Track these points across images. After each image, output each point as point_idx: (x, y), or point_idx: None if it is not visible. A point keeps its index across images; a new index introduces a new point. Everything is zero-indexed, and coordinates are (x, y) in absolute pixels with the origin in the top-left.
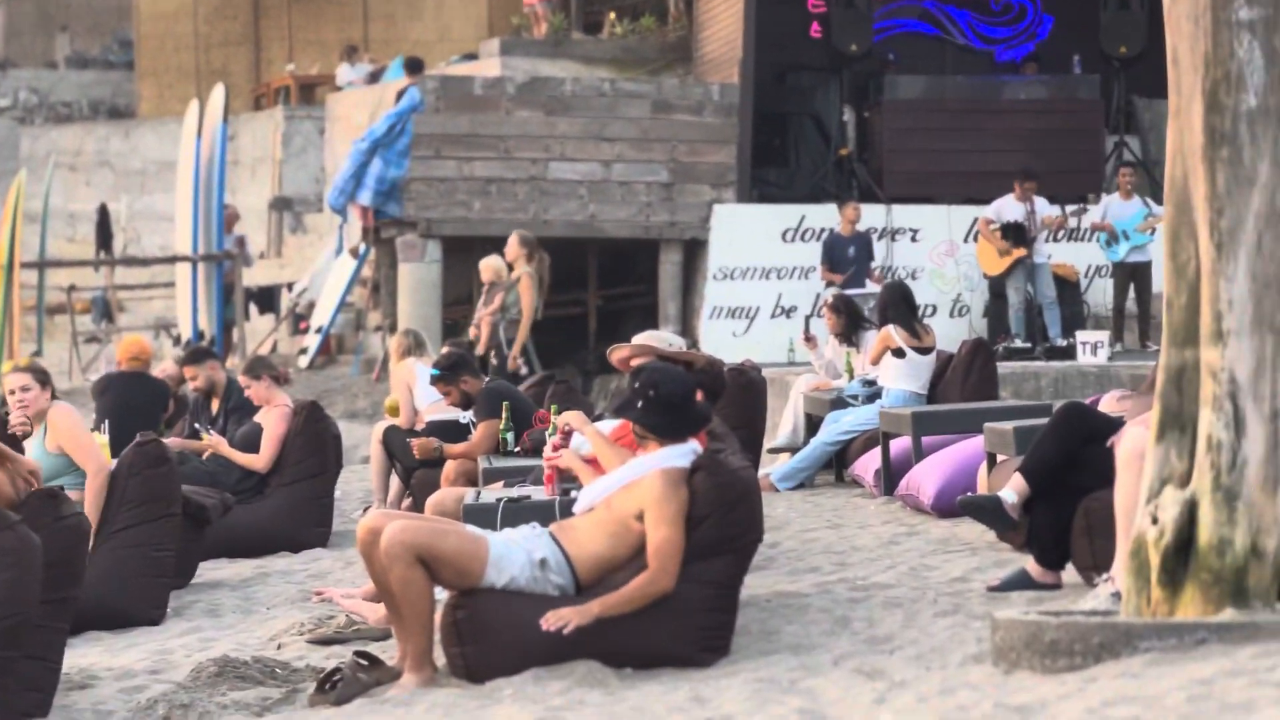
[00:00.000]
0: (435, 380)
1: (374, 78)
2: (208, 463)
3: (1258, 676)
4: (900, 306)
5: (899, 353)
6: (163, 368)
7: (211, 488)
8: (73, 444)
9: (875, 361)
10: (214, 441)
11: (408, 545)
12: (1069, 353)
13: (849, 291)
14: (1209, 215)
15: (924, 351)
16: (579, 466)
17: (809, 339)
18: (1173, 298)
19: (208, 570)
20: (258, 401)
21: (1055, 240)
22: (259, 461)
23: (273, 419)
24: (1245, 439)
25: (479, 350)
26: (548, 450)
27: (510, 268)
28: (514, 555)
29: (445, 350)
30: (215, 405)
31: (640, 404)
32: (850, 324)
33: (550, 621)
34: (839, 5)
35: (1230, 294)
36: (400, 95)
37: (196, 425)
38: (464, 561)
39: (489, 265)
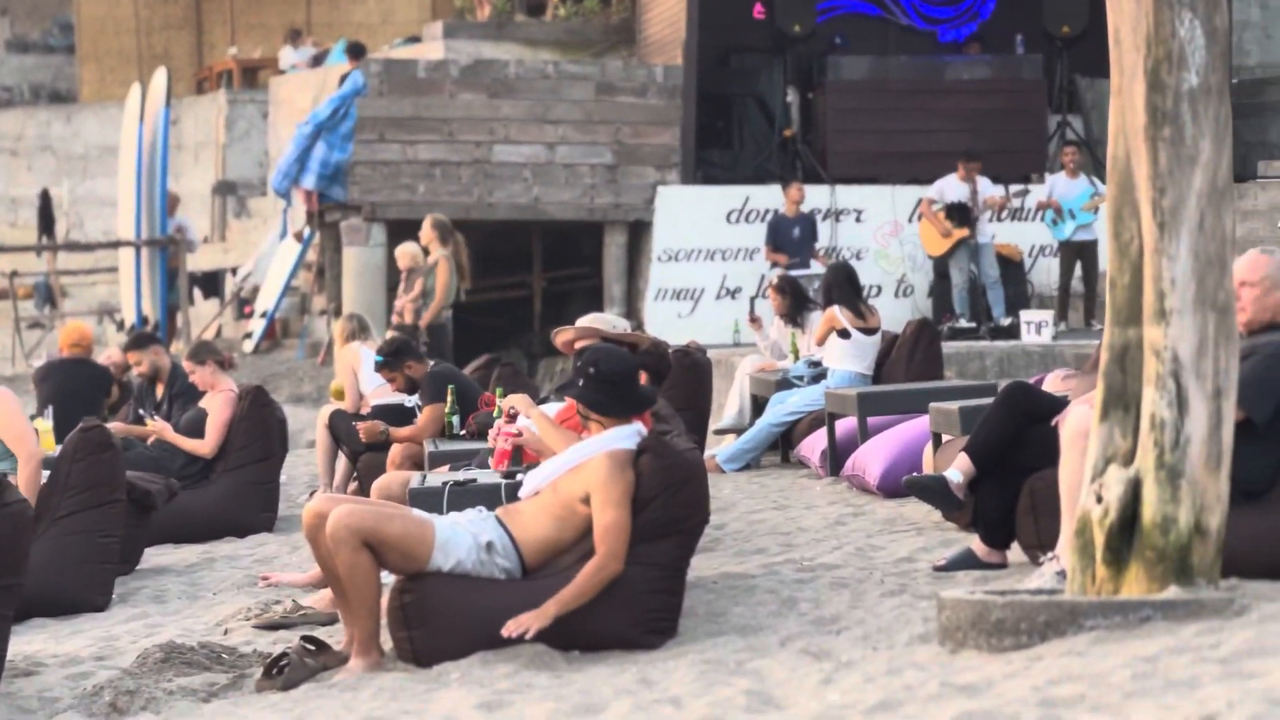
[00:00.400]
0: (379, 367)
1: (317, 61)
2: (152, 448)
3: (1201, 653)
4: (845, 287)
5: (844, 333)
6: (108, 354)
7: (156, 473)
8: (6, 430)
9: (820, 342)
10: (158, 427)
11: (354, 530)
12: (1013, 332)
13: (794, 272)
14: (1151, 194)
15: (869, 332)
16: (539, 445)
17: (754, 320)
18: (1116, 277)
19: (153, 556)
20: (202, 386)
21: (999, 220)
22: (204, 447)
23: (217, 404)
24: (1188, 417)
25: None
26: (493, 434)
27: (427, 253)
28: (460, 539)
29: (389, 335)
30: (160, 391)
31: (581, 382)
32: (795, 305)
33: (511, 629)
34: None
35: (1173, 273)
36: (343, 80)
37: (141, 411)
38: (410, 545)
39: (405, 252)
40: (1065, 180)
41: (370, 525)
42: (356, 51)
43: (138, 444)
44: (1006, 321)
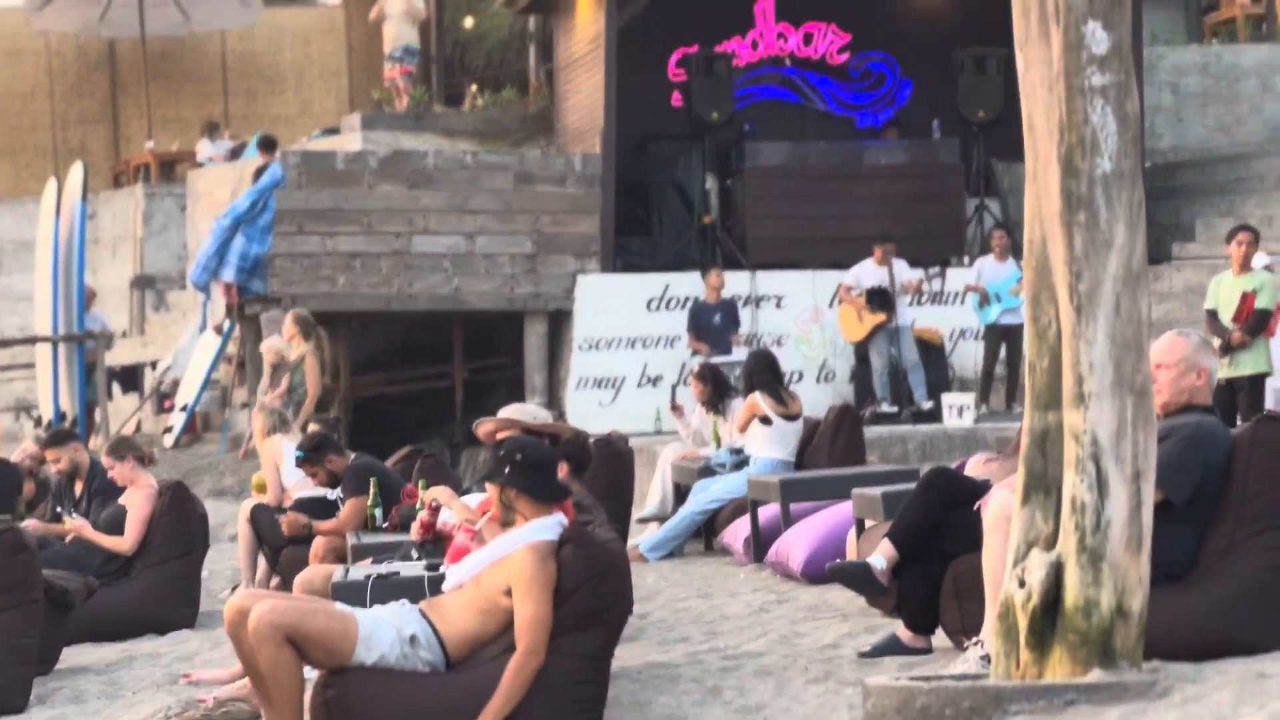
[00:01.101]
0: (300, 462)
1: (235, 154)
2: (71, 546)
3: None
4: (766, 374)
5: (766, 420)
6: (23, 449)
7: (75, 571)
8: None
9: (742, 429)
10: (76, 525)
11: (276, 625)
12: (935, 416)
13: (715, 359)
14: (1068, 278)
15: (790, 418)
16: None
17: (675, 408)
18: (1035, 361)
19: (72, 655)
20: (122, 482)
21: (919, 304)
22: (124, 543)
23: (137, 500)
24: (1109, 500)
25: None
26: (417, 528)
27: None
28: (383, 632)
29: (310, 429)
30: (79, 487)
31: (508, 469)
32: (717, 392)
33: None
34: (699, 74)
35: (1090, 357)
36: (258, 174)
37: (59, 509)
38: (333, 640)
39: (270, 347)
40: (994, 263)
41: (293, 621)
42: (268, 144)
43: (55, 542)
44: (928, 405)
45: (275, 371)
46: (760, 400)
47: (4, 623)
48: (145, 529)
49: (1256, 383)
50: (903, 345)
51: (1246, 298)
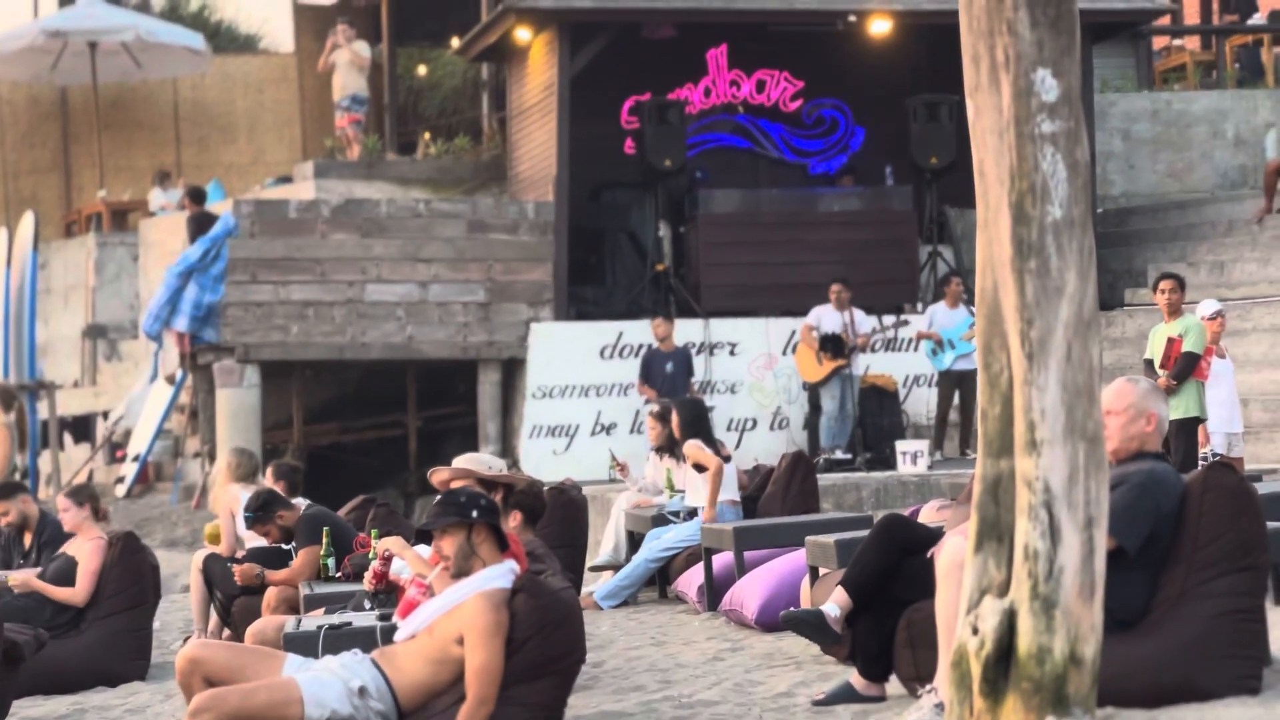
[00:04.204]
0: (251, 524)
1: None
2: (20, 598)
3: None
4: (703, 422)
5: (701, 468)
6: None
7: (25, 623)
8: None
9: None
10: (24, 577)
11: (219, 715)
12: (889, 462)
13: None
14: (1019, 325)
15: (726, 460)
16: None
17: (620, 467)
18: (987, 408)
19: (22, 709)
20: (69, 527)
21: (873, 351)
22: (76, 595)
23: (87, 551)
24: (1061, 547)
25: None
26: (369, 578)
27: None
28: (329, 686)
29: (256, 489)
30: (28, 539)
31: (475, 512)
32: (672, 435)
33: None
34: (652, 121)
35: (1042, 404)
36: (190, 224)
37: (8, 560)
38: (278, 712)
39: None
40: (945, 310)
41: (234, 707)
42: (197, 196)
43: (5, 594)
44: (840, 457)
45: None
46: (701, 447)
47: None
48: (96, 580)
49: (1187, 427)
50: (850, 393)
51: (1173, 343)
